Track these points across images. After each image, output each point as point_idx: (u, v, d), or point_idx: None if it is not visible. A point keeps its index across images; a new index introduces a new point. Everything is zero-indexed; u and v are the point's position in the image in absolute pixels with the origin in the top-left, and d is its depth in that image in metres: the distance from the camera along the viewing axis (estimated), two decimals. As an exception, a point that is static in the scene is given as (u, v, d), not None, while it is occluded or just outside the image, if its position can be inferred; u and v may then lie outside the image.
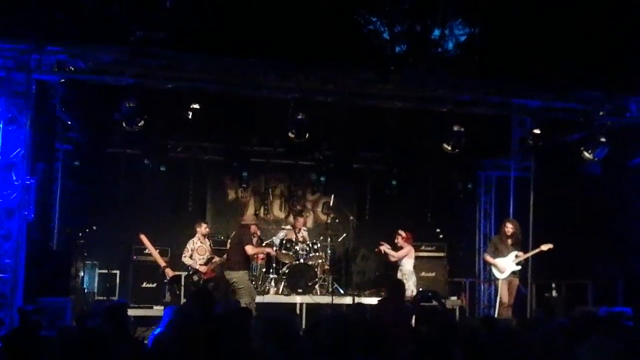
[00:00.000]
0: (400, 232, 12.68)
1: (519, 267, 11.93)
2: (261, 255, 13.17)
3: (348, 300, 12.73)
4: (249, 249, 11.52)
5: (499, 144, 14.09)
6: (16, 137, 9.78)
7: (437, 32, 21.11)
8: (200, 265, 12.07)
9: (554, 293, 13.45)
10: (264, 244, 13.25)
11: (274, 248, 13.37)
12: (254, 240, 11.92)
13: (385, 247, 12.70)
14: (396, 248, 12.63)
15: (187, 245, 12.19)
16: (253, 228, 11.89)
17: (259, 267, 13.37)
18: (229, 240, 12.53)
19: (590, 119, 11.65)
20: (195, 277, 12.00)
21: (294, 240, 13.55)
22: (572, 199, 13.36)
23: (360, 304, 8.88)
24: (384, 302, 9.16)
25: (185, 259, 12.11)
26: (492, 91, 11.53)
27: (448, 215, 14.99)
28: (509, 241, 11.97)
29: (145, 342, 6.09)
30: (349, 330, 3.46)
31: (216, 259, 12.22)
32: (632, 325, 6.99)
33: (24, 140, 9.79)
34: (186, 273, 12.33)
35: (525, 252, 11.99)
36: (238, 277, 11.36)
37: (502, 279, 11.90)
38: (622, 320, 7.67)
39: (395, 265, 12.62)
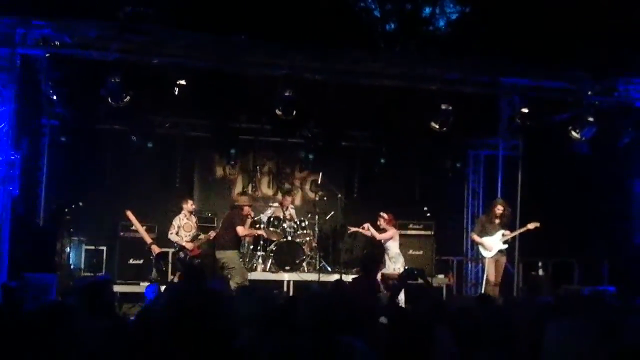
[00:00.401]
0: (382, 214, 12.12)
1: (505, 246, 11.94)
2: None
3: (335, 277, 12.70)
4: (240, 230, 11.43)
5: (487, 122, 14.08)
6: (0, 112, 9.67)
7: (427, 10, 21.06)
8: (187, 242, 12.04)
9: (541, 272, 13.50)
10: (256, 225, 13.18)
11: (262, 226, 13.34)
12: (248, 222, 11.83)
13: (366, 227, 12.46)
14: (379, 230, 12.12)
15: (173, 222, 12.15)
16: (246, 210, 11.74)
17: (247, 245, 13.34)
18: (222, 220, 12.48)
19: (579, 99, 11.64)
20: (181, 254, 11.98)
21: (281, 217, 13.53)
22: (560, 178, 13.39)
23: (340, 281, 8.88)
24: (356, 279, 9.24)
25: (172, 236, 12.08)
26: (480, 70, 11.48)
27: (436, 193, 14.98)
28: (497, 221, 11.98)
29: (131, 318, 6.07)
30: (326, 305, 3.45)
31: (202, 236, 12.21)
32: (617, 305, 6.98)
33: (9, 115, 9.68)
34: (173, 250, 12.30)
35: (512, 230, 12.01)
36: (228, 256, 11.30)
37: (489, 258, 11.91)
38: (606, 299, 7.68)
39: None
